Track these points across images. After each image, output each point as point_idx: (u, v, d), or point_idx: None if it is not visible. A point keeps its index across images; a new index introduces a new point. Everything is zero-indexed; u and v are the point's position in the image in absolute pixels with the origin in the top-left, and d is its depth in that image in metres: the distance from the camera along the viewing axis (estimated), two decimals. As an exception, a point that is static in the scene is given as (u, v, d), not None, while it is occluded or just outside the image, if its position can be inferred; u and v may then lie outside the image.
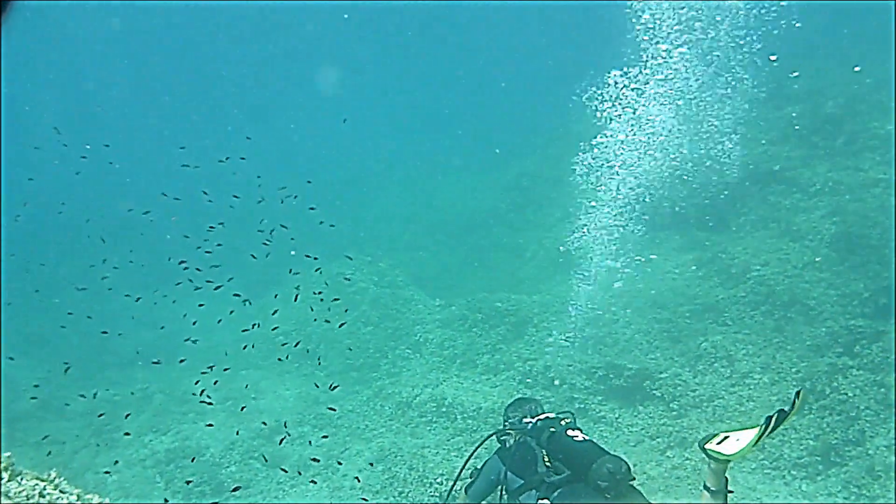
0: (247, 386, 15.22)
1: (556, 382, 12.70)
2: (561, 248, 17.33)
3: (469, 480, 6.20)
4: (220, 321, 16.52)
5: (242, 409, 13.99)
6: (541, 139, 24.94)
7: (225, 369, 14.08)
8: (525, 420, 6.05)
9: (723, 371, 12.18)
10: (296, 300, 16.32)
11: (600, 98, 16.58)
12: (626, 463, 4.84)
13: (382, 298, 17.62)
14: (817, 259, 13.56)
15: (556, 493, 5.11)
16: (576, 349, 13.57)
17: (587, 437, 5.40)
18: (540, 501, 5.16)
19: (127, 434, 13.23)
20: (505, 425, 6.32)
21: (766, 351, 12.25)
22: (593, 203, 17.49)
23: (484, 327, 15.36)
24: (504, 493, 5.75)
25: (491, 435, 6.19)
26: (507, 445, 6.10)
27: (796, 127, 17.31)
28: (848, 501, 9.41)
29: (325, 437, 13.04)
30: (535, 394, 12.56)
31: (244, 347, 14.52)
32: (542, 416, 5.93)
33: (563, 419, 5.81)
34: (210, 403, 13.01)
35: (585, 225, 17.68)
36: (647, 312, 14.12)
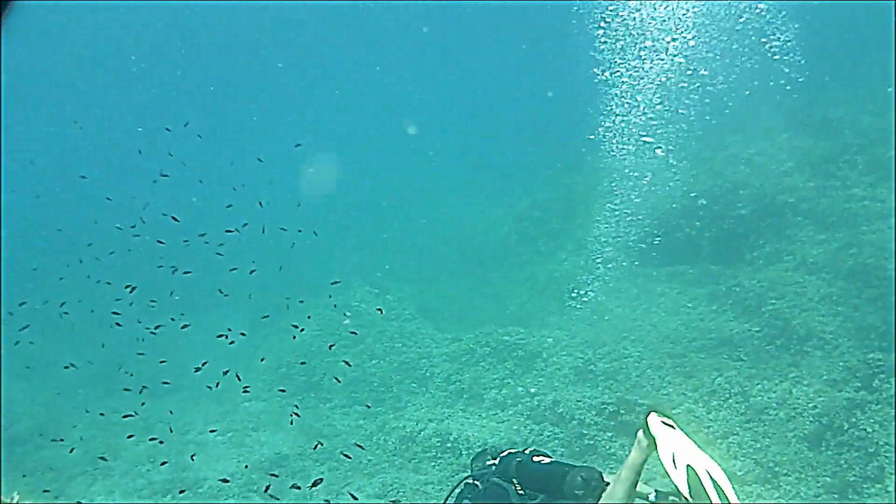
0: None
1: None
2: (574, 290, 16.90)
3: None
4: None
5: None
6: (554, 169, 24.65)
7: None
8: (489, 462, 5.87)
9: (737, 407, 11.79)
10: (301, 330, 16.00)
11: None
12: (598, 471, 4.74)
13: (388, 331, 17.32)
14: (832, 291, 13.25)
15: None
16: (586, 385, 13.19)
17: (554, 459, 5.26)
18: None
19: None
20: (472, 474, 6.01)
21: (782, 386, 11.86)
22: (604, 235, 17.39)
23: (492, 361, 15.02)
24: None
25: (459, 484, 5.93)
26: (476, 492, 5.74)
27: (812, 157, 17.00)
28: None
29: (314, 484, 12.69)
30: (544, 430, 12.26)
31: (225, 373, 14.01)
32: (503, 454, 5.62)
33: (526, 449, 5.51)
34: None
35: (597, 258, 17.52)
36: (659, 347, 13.77)
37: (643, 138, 22.00)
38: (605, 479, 4.69)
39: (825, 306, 12.98)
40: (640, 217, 17.48)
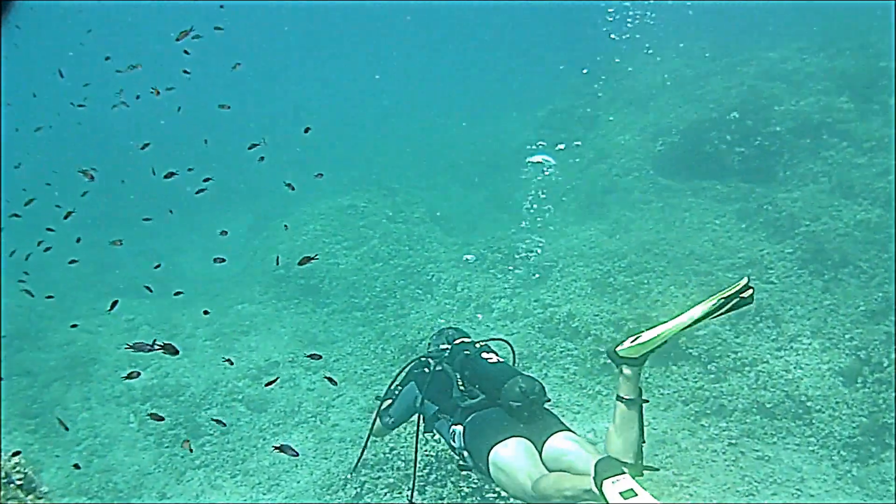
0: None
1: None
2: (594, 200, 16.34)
3: (387, 406, 5.98)
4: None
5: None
6: (577, 74, 23.46)
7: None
8: (443, 347, 5.89)
9: (768, 332, 10.72)
10: (286, 228, 15.38)
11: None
12: (539, 383, 4.70)
13: (395, 233, 16.45)
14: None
15: (469, 418, 4.95)
16: (604, 298, 12.12)
17: (502, 360, 5.27)
18: (453, 428, 5.05)
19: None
20: (427, 352, 6.06)
21: (817, 314, 10.84)
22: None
23: (503, 269, 14.08)
24: (421, 420, 5.61)
25: (412, 362, 6.00)
26: (426, 372, 5.79)
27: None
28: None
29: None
30: (556, 345, 11.24)
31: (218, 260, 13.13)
32: (458, 341, 5.78)
33: (479, 342, 5.63)
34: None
35: (618, 167, 16.58)
36: (683, 263, 12.61)
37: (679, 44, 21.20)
38: (547, 396, 4.70)
39: (861, 233, 11.92)
40: (666, 127, 16.77)
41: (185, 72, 14.15)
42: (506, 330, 12.07)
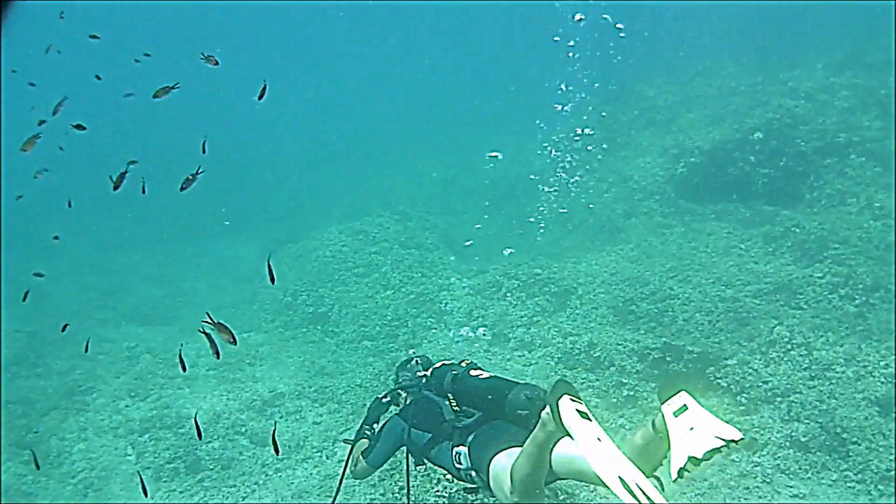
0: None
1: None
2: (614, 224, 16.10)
3: (367, 446, 5.80)
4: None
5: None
6: (597, 97, 23.16)
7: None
8: (419, 374, 5.78)
9: (800, 361, 10.09)
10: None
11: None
12: (542, 390, 4.48)
13: (407, 260, 15.97)
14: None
15: (471, 437, 4.83)
16: (626, 327, 11.60)
17: (492, 374, 5.04)
18: (456, 450, 4.90)
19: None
20: (398, 384, 6.05)
21: (849, 340, 10.26)
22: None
23: (520, 296, 13.48)
24: (410, 454, 5.46)
25: (380, 398, 5.97)
26: (404, 405, 5.80)
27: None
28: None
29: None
30: (577, 376, 10.63)
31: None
32: (437, 365, 5.57)
33: (463, 361, 5.44)
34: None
35: (639, 190, 16.18)
36: (709, 289, 12.08)
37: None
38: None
39: (893, 255, 11.50)
40: (688, 149, 16.38)
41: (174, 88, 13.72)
42: (523, 360, 11.52)
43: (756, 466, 8.55)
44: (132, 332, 15.15)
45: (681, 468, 3.53)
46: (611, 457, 3.44)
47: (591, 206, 17.48)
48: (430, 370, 5.59)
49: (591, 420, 3.67)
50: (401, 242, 16.74)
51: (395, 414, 5.74)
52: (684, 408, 3.69)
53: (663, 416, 3.77)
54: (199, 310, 16.86)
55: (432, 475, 7.62)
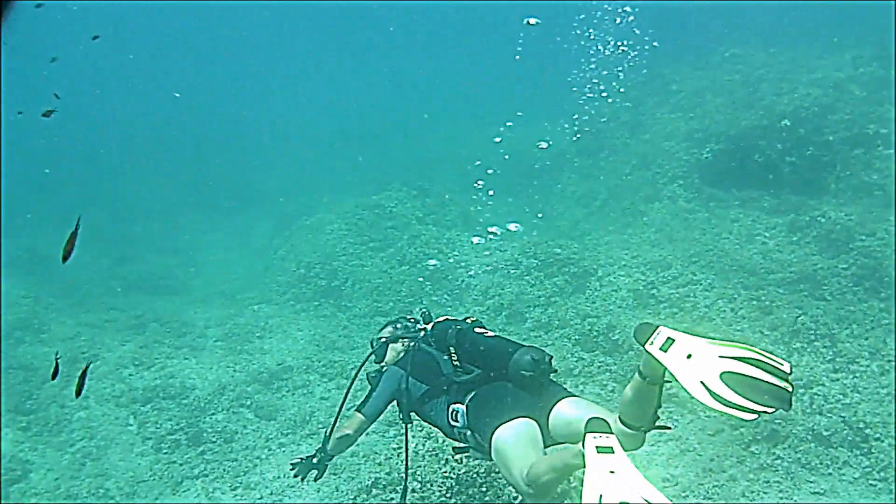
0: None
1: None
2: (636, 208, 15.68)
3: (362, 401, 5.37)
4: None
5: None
6: (622, 81, 22.82)
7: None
8: (419, 327, 5.50)
9: (824, 353, 9.74)
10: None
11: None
12: (548, 354, 4.40)
13: (424, 236, 15.65)
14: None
15: (472, 395, 4.58)
16: (647, 310, 11.23)
17: (497, 334, 4.82)
18: (452, 407, 4.65)
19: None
20: (397, 332, 5.61)
21: (875, 333, 9.88)
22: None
23: (538, 276, 13.06)
24: (400, 406, 5.15)
25: (377, 349, 5.52)
26: (408, 351, 5.38)
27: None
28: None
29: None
30: (595, 359, 10.29)
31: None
32: (439, 320, 5.30)
33: (468, 318, 5.16)
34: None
35: (663, 174, 16.18)
36: (731, 276, 11.75)
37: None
38: (555, 367, 4.43)
39: None
40: (713, 134, 15.95)
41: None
42: (540, 341, 11.09)
43: (776, 460, 8.17)
44: (141, 301, 14.93)
45: (715, 394, 3.22)
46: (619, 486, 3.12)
47: (613, 187, 17.15)
48: (432, 323, 5.36)
49: (613, 452, 3.32)
50: (418, 218, 16.47)
51: (393, 363, 5.41)
52: (670, 341, 3.49)
53: (652, 355, 3.52)
54: (210, 281, 16.66)
55: (440, 455, 7.26)
